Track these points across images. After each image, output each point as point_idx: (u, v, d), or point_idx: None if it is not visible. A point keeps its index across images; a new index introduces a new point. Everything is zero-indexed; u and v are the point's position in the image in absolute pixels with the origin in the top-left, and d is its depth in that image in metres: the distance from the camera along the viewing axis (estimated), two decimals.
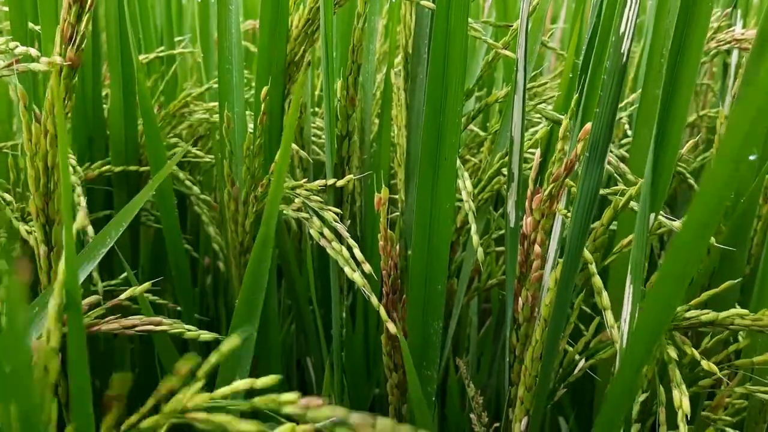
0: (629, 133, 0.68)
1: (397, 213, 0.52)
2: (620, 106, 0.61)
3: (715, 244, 0.39)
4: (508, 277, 0.44)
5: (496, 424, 0.52)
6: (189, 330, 0.42)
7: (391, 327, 0.39)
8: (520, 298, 0.43)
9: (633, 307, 0.37)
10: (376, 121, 0.63)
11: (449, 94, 0.38)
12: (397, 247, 0.39)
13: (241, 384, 0.29)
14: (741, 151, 0.26)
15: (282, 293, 0.70)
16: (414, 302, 0.43)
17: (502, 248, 0.60)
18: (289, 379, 0.68)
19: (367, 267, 0.39)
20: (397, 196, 0.54)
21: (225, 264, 0.66)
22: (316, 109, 0.66)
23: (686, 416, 0.38)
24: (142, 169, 0.59)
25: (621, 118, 0.66)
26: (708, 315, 0.41)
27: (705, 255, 0.45)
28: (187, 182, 0.61)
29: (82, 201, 0.50)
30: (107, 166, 0.58)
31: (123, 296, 0.42)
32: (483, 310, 0.75)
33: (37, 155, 0.37)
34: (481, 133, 0.63)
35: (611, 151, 0.48)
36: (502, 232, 0.60)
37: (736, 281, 0.41)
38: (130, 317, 0.41)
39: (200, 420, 0.30)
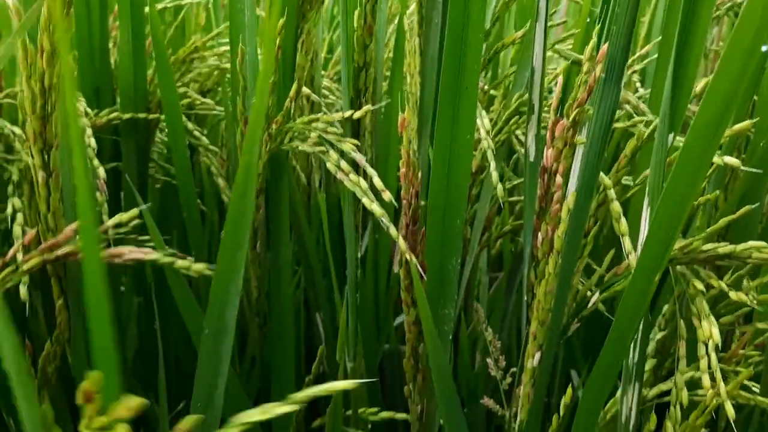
0: (641, 91, 0.67)
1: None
2: (631, 61, 0.60)
3: (743, 167, 0.38)
4: (526, 213, 0.44)
5: (511, 373, 0.51)
6: (180, 259, 0.42)
7: (411, 258, 0.38)
8: (539, 234, 0.43)
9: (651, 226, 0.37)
10: (387, 74, 0.62)
11: (471, 19, 0.38)
12: (419, 174, 0.38)
13: None
14: (754, 41, 0.25)
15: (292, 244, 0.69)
16: (432, 238, 0.42)
17: (513, 198, 0.59)
18: (297, 334, 0.67)
19: (387, 195, 0.39)
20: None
21: None
22: (329, 55, 0.65)
23: (717, 346, 0.37)
24: (152, 116, 0.58)
25: (633, 73, 0.66)
26: (725, 247, 0.40)
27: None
28: (196, 132, 0.60)
29: (92, 142, 0.50)
30: (115, 113, 0.57)
31: (109, 222, 0.41)
32: (494, 269, 0.74)
33: (32, 76, 0.36)
34: (492, 92, 0.62)
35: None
36: (514, 182, 0.59)
37: (754, 205, 0.40)
38: (119, 246, 0.41)
39: None
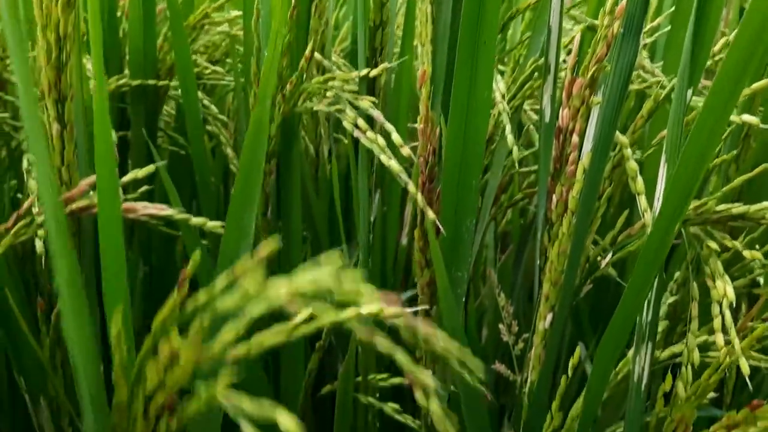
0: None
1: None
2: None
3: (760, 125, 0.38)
4: (541, 176, 0.44)
5: (523, 339, 0.51)
6: (194, 218, 0.41)
7: (430, 214, 0.38)
8: (554, 196, 0.43)
9: (668, 184, 0.37)
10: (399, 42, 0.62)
11: None
12: (437, 130, 0.38)
13: None
14: None
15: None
16: (447, 198, 0.42)
17: (524, 169, 0.59)
18: None
19: (405, 150, 0.38)
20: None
21: None
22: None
23: (731, 304, 0.38)
24: (161, 83, 0.58)
25: (643, 47, 0.66)
26: (739, 208, 0.40)
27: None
28: (205, 101, 0.60)
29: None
30: (125, 80, 0.57)
31: (125, 179, 0.41)
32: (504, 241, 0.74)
33: (48, 26, 0.36)
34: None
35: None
36: (524, 154, 0.59)
37: None
38: (133, 203, 0.40)
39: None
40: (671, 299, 0.46)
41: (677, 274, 0.48)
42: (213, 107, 0.60)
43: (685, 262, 0.46)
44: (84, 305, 0.28)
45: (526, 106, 0.66)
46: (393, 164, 0.39)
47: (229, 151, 0.62)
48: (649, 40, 0.63)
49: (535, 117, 0.67)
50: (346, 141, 0.73)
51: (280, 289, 0.25)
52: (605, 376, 0.38)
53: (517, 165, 0.58)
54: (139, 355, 0.27)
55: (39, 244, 0.38)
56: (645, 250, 0.35)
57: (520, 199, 0.53)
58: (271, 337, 0.26)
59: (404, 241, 0.65)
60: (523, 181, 0.62)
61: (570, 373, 0.39)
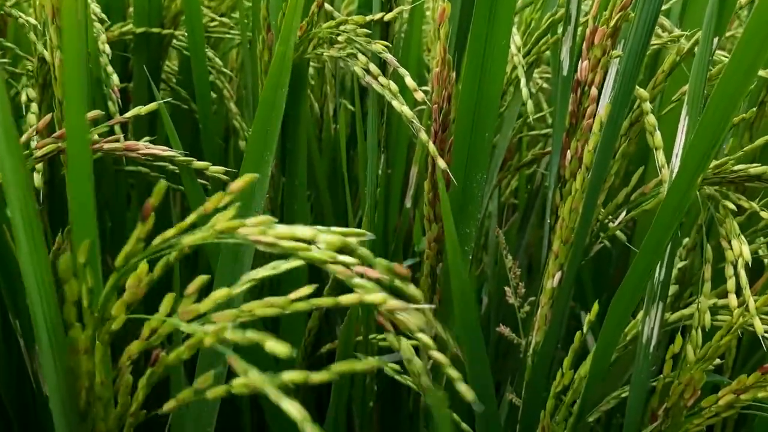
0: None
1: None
2: None
3: None
4: (555, 131, 0.43)
5: (529, 303, 0.51)
6: (197, 162, 0.40)
7: (441, 163, 0.37)
8: (568, 152, 0.42)
9: (687, 140, 0.36)
10: None
11: None
12: (453, 75, 0.37)
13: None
14: None
15: None
16: (459, 149, 0.41)
17: (533, 132, 0.58)
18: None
19: (419, 94, 0.37)
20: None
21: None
22: None
23: (747, 263, 0.37)
24: (165, 31, 0.56)
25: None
26: (757, 168, 0.39)
27: None
28: (210, 53, 0.59)
29: (107, 48, 0.48)
30: (128, 27, 0.55)
31: (127, 114, 0.40)
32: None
33: None
34: None
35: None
36: (535, 116, 0.58)
37: None
38: (135, 141, 0.39)
39: (266, 243, 0.27)
40: (680, 264, 0.45)
41: (686, 240, 0.47)
42: (217, 60, 0.59)
43: (696, 226, 0.45)
44: (40, 234, 0.26)
45: (535, 75, 0.65)
46: (405, 110, 0.37)
47: (233, 106, 0.61)
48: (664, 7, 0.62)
49: (544, 84, 0.66)
50: (351, 107, 0.72)
51: (255, 228, 0.25)
52: (615, 336, 0.38)
53: (531, 117, 0.57)
54: (103, 290, 0.25)
55: (37, 178, 0.37)
56: (663, 205, 0.34)
57: (529, 162, 0.52)
58: (262, 308, 0.25)
59: (408, 203, 0.65)
60: (531, 146, 0.61)
61: (585, 329, 0.39)
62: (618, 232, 0.50)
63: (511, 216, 0.77)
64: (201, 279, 0.26)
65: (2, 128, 0.25)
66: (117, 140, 0.38)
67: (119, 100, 0.51)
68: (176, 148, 0.41)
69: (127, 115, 0.39)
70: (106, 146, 0.37)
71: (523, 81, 0.43)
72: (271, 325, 0.59)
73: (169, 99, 0.59)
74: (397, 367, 0.52)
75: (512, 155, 0.62)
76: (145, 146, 0.38)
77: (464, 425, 0.49)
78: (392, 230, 0.63)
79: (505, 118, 0.53)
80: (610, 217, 0.43)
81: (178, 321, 0.25)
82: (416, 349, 0.53)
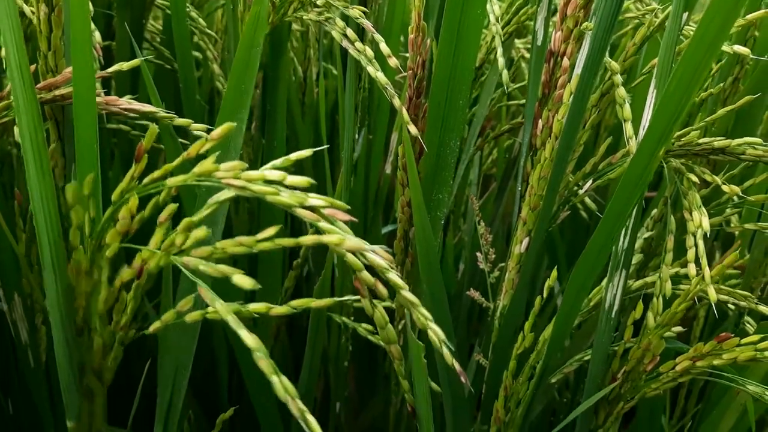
0: None
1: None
2: None
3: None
4: (528, 100, 0.44)
5: (499, 268, 0.52)
6: (179, 119, 0.41)
7: (413, 129, 0.38)
8: (539, 121, 0.43)
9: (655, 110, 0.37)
10: None
11: None
12: (428, 41, 0.38)
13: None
14: None
15: None
16: (433, 115, 0.42)
17: (512, 102, 0.59)
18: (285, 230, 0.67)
19: (393, 61, 0.38)
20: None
21: None
22: None
23: (705, 234, 0.38)
24: None
25: None
26: (721, 141, 0.40)
27: None
28: (193, 13, 0.59)
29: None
30: None
31: (110, 69, 0.40)
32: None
33: None
34: None
35: None
36: (515, 86, 0.59)
37: (756, 96, 0.40)
38: (116, 97, 0.40)
39: (237, 186, 0.28)
40: (646, 234, 0.47)
41: (654, 212, 0.48)
42: (201, 20, 0.59)
43: (663, 198, 0.46)
44: (47, 161, 0.28)
45: (519, 44, 0.65)
46: (380, 76, 0.38)
47: (216, 68, 0.61)
48: None
49: (527, 54, 0.67)
50: (335, 71, 0.72)
51: (228, 172, 0.26)
52: (578, 300, 0.39)
53: (507, 88, 0.58)
54: (101, 220, 0.27)
55: (17, 131, 0.37)
56: (627, 174, 0.35)
57: (507, 130, 0.53)
58: (233, 246, 0.27)
59: (388, 169, 0.65)
60: (514, 117, 0.62)
61: (545, 293, 0.40)
62: (589, 202, 0.51)
63: (491, 186, 0.78)
64: (186, 221, 0.27)
65: (17, 64, 0.28)
66: (98, 95, 0.39)
67: (101, 58, 0.52)
68: (157, 105, 0.41)
69: (109, 70, 0.40)
70: None
71: (499, 51, 0.44)
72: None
73: (151, 57, 0.60)
74: (370, 327, 0.54)
75: (493, 125, 0.62)
76: (126, 102, 0.39)
77: (432, 384, 0.51)
78: (372, 196, 0.64)
79: (484, 87, 0.54)
80: (579, 185, 0.44)
81: (164, 253, 0.26)
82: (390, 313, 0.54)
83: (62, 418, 0.54)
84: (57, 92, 0.36)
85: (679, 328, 0.44)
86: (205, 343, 0.69)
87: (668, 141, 0.34)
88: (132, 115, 0.40)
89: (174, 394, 0.42)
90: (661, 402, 0.57)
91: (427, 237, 0.38)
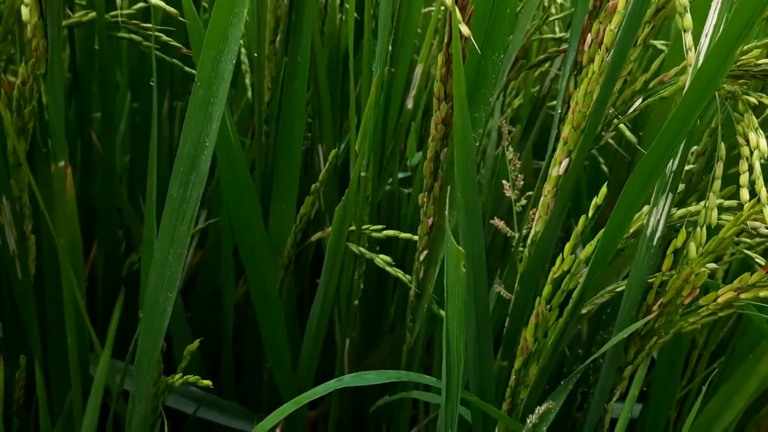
0: None
1: None
2: None
3: None
4: (576, 14, 0.41)
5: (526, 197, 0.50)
6: None
7: (465, 30, 0.35)
8: (588, 36, 0.40)
9: (719, 18, 0.34)
10: None
11: None
12: None
13: None
14: None
15: None
16: (477, 23, 0.39)
17: (547, 36, 0.56)
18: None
19: None
20: None
21: None
22: None
23: (763, 155, 0.36)
24: None
25: None
26: None
27: None
28: None
29: None
30: None
31: None
32: None
33: None
34: None
35: None
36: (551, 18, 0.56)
37: None
38: None
39: None
40: (689, 167, 0.45)
41: (695, 148, 0.46)
42: None
43: (708, 129, 0.44)
44: None
45: None
46: None
47: None
48: None
49: None
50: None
51: None
52: (628, 218, 0.37)
53: (538, 35, 0.56)
54: None
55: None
56: (693, 84, 0.33)
57: (544, 60, 0.51)
58: None
59: (410, 104, 0.63)
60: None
61: (591, 212, 0.38)
62: (628, 134, 0.49)
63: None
64: None
65: None
66: None
67: None
68: None
69: None
70: None
71: None
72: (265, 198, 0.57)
73: None
74: (389, 259, 0.51)
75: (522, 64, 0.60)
76: None
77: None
78: (391, 130, 0.62)
79: (522, 14, 0.51)
80: (618, 108, 0.42)
81: None
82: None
83: (52, 337, 0.52)
84: None
85: (713, 265, 0.42)
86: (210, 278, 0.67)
87: (738, 49, 0.32)
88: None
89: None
90: (682, 355, 0.55)
91: (466, 137, 0.36)
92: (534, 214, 0.45)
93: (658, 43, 0.58)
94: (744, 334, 0.51)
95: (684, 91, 0.33)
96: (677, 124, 0.34)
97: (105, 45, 0.55)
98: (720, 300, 0.38)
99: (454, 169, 0.39)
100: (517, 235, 0.46)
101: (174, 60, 0.55)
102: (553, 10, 0.52)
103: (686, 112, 0.34)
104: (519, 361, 0.42)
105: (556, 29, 0.63)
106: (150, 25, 0.54)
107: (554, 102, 0.63)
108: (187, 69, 0.55)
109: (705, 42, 0.35)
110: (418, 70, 0.61)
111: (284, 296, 0.59)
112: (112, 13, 0.54)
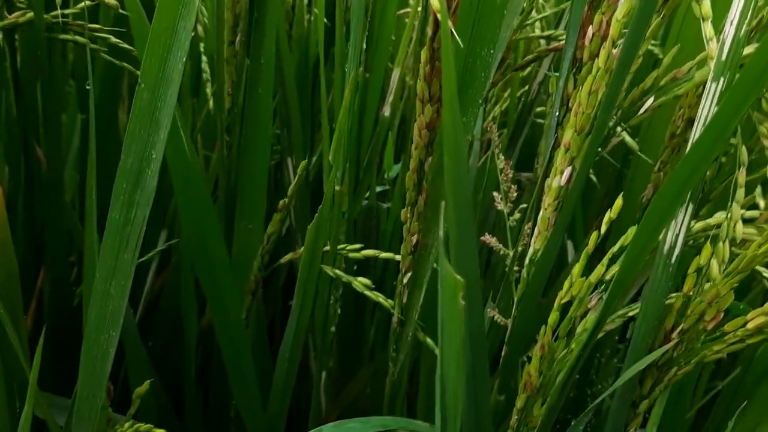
0: None
1: None
2: None
3: None
4: (575, 6, 0.36)
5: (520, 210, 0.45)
6: None
7: (450, 23, 0.30)
8: (590, 28, 0.36)
9: (747, 3, 0.30)
10: None
11: None
12: None
13: None
14: None
15: None
16: (464, 16, 0.35)
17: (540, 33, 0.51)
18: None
19: None
20: None
21: None
22: None
23: None
24: None
25: None
26: None
27: None
28: None
29: None
30: None
31: None
32: None
33: None
34: None
35: None
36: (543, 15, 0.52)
37: None
38: None
39: None
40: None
41: None
42: None
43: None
44: None
45: None
46: None
47: None
48: None
49: None
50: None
51: None
52: (656, 233, 0.32)
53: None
54: None
55: None
56: (739, 82, 0.28)
57: (532, 60, 0.46)
58: None
59: (386, 112, 0.58)
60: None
61: (604, 228, 0.33)
62: (628, 139, 0.44)
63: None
64: None
65: None
66: None
67: None
68: None
69: None
70: None
71: None
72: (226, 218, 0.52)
73: None
74: (368, 282, 0.46)
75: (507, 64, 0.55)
76: None
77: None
78: (367, 141, 0.57)
79: (509, 8, 0.46)
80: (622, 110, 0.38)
81: None
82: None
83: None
84: None
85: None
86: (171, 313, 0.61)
87: None
88: None
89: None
90: (690, 385, 0.51)
91: (458, 142, 0.30)
92: (529, 229, 0.40)
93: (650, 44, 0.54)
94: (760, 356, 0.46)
95: (726, 93, 0.28)
96: (719, 127, 0.29)
97: (44, 50, 0.49)
98: (750, 326, 0.34)
99: (443, 179, 0.33)
100: (511, 254, 0.41)
101: (124, 64, 0.50)
102: (535, 13, 0.47)
103: (729, 114, 0.29)
104: (522, 399, 0.36)
105: (537, 29, 0.59)
106: (98, 26, 0.49)
107: (542, 108, 0.59)
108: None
109: (730, 31, 0.30)
110: (395, 75, 0.56)
111: (252, 325, 0.53)
112: (54, 13, 0.48)
